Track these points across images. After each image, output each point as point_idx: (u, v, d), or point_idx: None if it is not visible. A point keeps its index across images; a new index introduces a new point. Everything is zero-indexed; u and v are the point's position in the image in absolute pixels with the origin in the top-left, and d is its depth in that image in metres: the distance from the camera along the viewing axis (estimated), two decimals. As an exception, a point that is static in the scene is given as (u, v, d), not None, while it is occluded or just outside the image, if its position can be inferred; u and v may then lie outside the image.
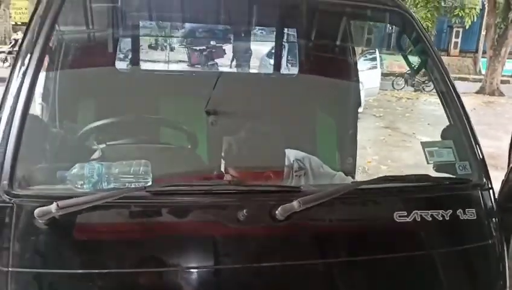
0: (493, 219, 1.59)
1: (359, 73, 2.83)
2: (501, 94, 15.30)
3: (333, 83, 2.53)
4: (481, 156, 1.66)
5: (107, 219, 1.32)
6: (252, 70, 10.52)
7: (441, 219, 1.49)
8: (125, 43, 3.06)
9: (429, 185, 1.58)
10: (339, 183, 1.78)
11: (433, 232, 1.52)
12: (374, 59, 11.27)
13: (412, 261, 1.47)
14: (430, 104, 11.16)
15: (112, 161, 1.42)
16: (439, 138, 1.76)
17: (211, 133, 2.25)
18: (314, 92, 2.54)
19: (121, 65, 2.65)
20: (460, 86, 1.80)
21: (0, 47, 13.90)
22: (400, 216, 1.46)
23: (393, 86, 14.26)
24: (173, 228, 1.37)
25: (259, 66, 11.41)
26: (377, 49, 10.59)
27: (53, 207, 1.19)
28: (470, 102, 11.42)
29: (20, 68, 1.41)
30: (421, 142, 1.70)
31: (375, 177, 1.61)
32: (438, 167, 1.67)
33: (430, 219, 1.48)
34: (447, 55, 20.16)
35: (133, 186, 1.35)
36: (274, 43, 3.06)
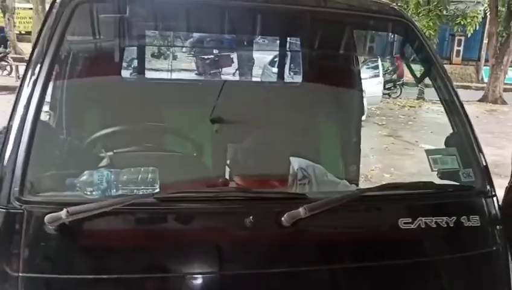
0: (497, 226, 1.60)
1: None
2: (504, 102, 15.30)
3: (337, 91, 2.55)
4: (484, 164, 1.67)
5: (115, 225, 1.34)
6: (254, 79, 10.59)
7: (446, 225, 1.50)
8: (132, 53, 3.10)
9: (433, 192, 1.60)
10: (344, 191, 1.80)
11: (438, 239, 1.53)
12: (376, 67, 11.32)
13: (417, 267, 1.48)
14: (433, 112, 11.17)
15: (120, 168, 1.44)
16: (442, 146, 1.78)
17: (215, 141, 2.27)
18: (318, 101, 2.57)
19: (128, 74, 2.68)
20: (463, 94, 1.81)
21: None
22: (404, 223, 1.47)
23: (389, 95, 14.34)
24: (181, 234, 1.38)
25: (261, 75, 11.49)
26: (379, 58, 10.64)
27: (63, 213, 1.22)
28: (472, 110, 11.41)
29: (31, 78, 1.44)
30: (425, 149, 1.71)
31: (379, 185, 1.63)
32: (442, 174, 1.69)
33: (435, 225, 1.49)
34: (449, 64, 20.17)
35: (141, 193, 1.37)
36: (278, 52, 3.08)
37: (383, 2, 2.43)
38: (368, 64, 11.12)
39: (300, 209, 1.34)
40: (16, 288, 1.23)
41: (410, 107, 13.41)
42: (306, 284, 1.38)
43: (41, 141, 1.41)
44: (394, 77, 14.53)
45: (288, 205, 1.37)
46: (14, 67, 11.94)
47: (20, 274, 1.23)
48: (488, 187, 1.63)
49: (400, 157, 7.30)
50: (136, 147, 1.88)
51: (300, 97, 2.62)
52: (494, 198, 1.64)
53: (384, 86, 12.35)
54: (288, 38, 3.05)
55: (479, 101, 15.15)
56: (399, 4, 14.48)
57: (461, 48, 21.32)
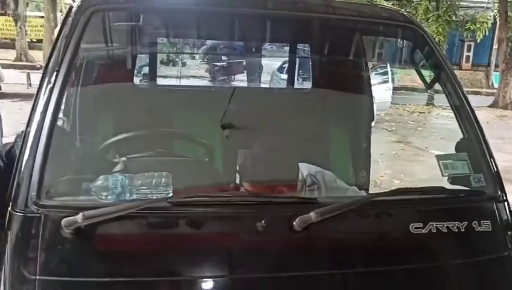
0: (508, 231, 1.60)
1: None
2: (514, 108, 15.19)
3: (347, 97, 2.57)
4: (495, 169, 1.67)
5: (130, 228, 1.36)
6: (263, 85, 10.63)
7: (457, 230, 1.51)
8: (142, 60, 3.14)
9: (444, 197, 1.60)
10: (354, 196, 1.81)
11: (449, 243, 1.54)
12: (386, 73, 11.28)
13: (428, 272, 1.48)
14: (443, 118, 11.12)
15: (133, 173, 1.46)
16: (452, 152, 1.78)
17: (226, 147, 2.29)
18: (328, 107, 2.58)
19: (137, 81, 2.72)
20: (473, 99, 1.82)
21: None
22: (415, 228, 1.48)
23: None
24: (194, 238, 1.40)
25: (270, 81, 11.53)
26: (388, 64, 10.63)
27: (79, 217, 1.24)
28: (483, 116, 11.34)
29: (47, 85, 1.47)
30: (435, 155, 1.72)
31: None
32: (453, 180, 1.69)
33: (446, 230, 1.50)
34: (459, 69, 20.08)
35: (154, 197, 1.39)
36: (288, 58, 3.10)
37: (393, 8, 2.45)
38: (377, 70, 11.10)
39: (312, 214, 1.35)
40: None
41: (420, 113, 13.35)
42: (317, 289, 1.39)
43: (57, 146, 1.45)
44: None
45: (300, 210, 1.39)
46: (25, 74, 12.07)
47: (38, 277, 1.25)
48: (499, 192, 1.64)
49: (409, 164, 7.27)
50: (149, 153, 1.91)
51: (310, 103, 2.64)
52: (506, 203, 1.64)
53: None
54: (299, 45, 3.07)
55: (489, 106, 15.05)
56: (408, 10, 14.48)
57: (471, 54, 21.22)
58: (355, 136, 2.69)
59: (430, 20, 15.96)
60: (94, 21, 1.61)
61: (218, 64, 11.94)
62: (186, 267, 1.34)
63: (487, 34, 17.98)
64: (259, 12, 1.83)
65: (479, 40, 18.35)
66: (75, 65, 1.58)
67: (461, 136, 1.77)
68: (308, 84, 3.14)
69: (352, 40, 2.36)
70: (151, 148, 1.95)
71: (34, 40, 19.41)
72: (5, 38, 19.45)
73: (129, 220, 1.33)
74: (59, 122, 1.53)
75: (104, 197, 1.38)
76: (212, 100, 2.49)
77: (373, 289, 1.45)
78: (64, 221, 1.26)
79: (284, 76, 8.88)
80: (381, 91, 9.99)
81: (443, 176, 1.68)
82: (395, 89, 12.37)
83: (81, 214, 1.24)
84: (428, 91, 12.59)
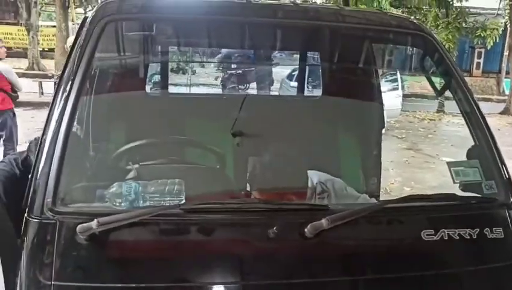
0: None
1: (380, 94, 2.86)
2: (526, 115, 15.05)
3: (357, 104, 2.57)
4: (507, 176, 1.67)
5: (143, 235, 1.38)
6: (273, 92, 10.68)
7: (469, 237, 1.50)
8: (153, 69, 3.18)
9: (456, 204, 1.60)
10: (365, 203, 1.81)
11: (461, 250, 1.53)
12: (395, 80, 11.26)
13: (440, 279, 1.48)
14: (453, 125, 11.06)
15: (146, 180, 1.49)
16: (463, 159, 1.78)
17: (237, 154, 2.31)
18: (338, 114, 2.59)
19: (151, 89, 2.75)
20: (483, 106, 1.81)
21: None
22: (427, 235, 1.48)
23: None
24: (206, 245, 1.41)
25: (279, 89, 11.56)
26: (397, 71, 10.61)
27: (94, 224, 1.26)
28: (494, 123, 11.24)
29: (63, 94, 1.50)
30: (446, 161, 1.72)
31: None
32: (464, 187, 1.69)
33: (458, 237, 1.49)
34: (470, 76, 19.98)
35: (167, 204, 1.41)
36: (298, 66, 3.12)
37: (402, 16, 2.46)
38: (387, 77, 11.08)
39: (323, 221, 1.36)
40: None
41: (430, 120, 13.28)
42: None
43: (72, 154, 1.47)
44: None
45: (311, 217, 1.40)
46: (37, 83, 12.21)
47: (53, 282, 1.27)
48: (511, 199, 1.63)
49: (420, 171, 7.23)
50: (161, 160, 1.93)
51: (320, 111, 2.65)
52: (518, 210, 1.63)
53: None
54: (309, 53, 3.09)
55: (500, 113, 14.93)
56: (417, 17, 14.46)
57: (481, 60, 21.11)
58: (366, 143, 2.69)
59: (439, 27, 15.91)
60: (108, 31, 1.64)
61: (234, 72, 12.02)
62: (199, 274, 1.35)
63: (498, 40, 17.89)
64: (270, 21, 1.85)
65: (489, 47, 18.28)
66: (90, 74, 1.62)
67: (472, 143, 1.77)
68: (318, 92, 3.16)
69: (362, 48, 2.37)
70: (164, 156, 1.97)
71: (46, 49, 19.68)
72: (17, 48, 19.71)
73: (143, 227, 1.35)
74: (74, 130, 1.56)
75: (118, 204, 1.40)
76: (223, 108, 2.51)
77: None
78: (79, 227, 1.28)
79: (294, 83, 8.91)
80: (391, 98, 9.96)
81: (455, 183, 1.68)
82: (404, 96, 12.34)
83: (95, 220, 1.26)
84: (439, 98, 12.58)
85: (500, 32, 17.54)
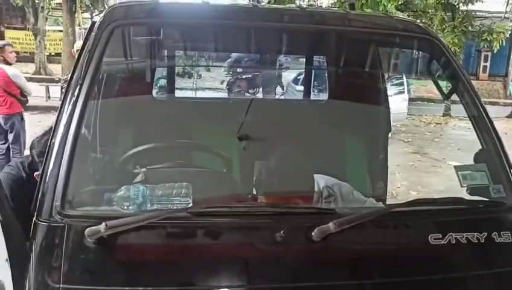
0: None
1: (386, 98, 2.85)
2: (533, 118, 14.96)
3: (363, 108, 2.57)
4: None
5: (151, 238, 1.39)
6: (278, 96, 10.69)
7: (476, 241, 1.50)
8: (159, 73, 3.19)
9: (464, 208, 1.60)
10: (372, 207, 1.81)
11: (469, 254, 1.53)
12: (401, 84, 11.22)
13: (448, 283, 1.47)
14: (460, 128, 11.00)
15: (154, 183, 1.49)
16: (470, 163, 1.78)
17: (243, 158, 2.31)
18: (344, 118, 2.59)
19: (157, 93, 2.76)
20: (490, 110, 1.81)
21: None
22: (435, 239, 1.48)
23: None
24: (213, 248, 1.42)
25: (285, 92, 11.56)
26: (403, 74, 10.58)
27: (102, 227, 1.27)
28: (501, 126, 11.17)
29: (71, 98, 1.52)
30: (454, 165, 1.71)
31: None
32: (472, 190, 1.68)
33: (465, 241, 1.49)
34: (476, 80, 19.90)
35: (175, 207, 1.42)
36: (304, 69, 3.12)
37: (409, 20, 2.46)
38: (393, 81, 11.06)
39: (331, 224, 1.36)
40: None
41: (437, 124, 13.23)
42: None
43: (80, 158, 1.48)
44: None
45: (318, 220, 1.40)
46: (44, 87, 12.28)
47: (61, 285, 1.28)
48: None
49: (426, 175, 7.20)
50: (168, 164, 1.94)
51: (326, 114, 2.65)
52: (526, 214, 1.62)
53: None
54: (315, 57, 3.09)
55: (507, 117, 14.85)
56: (423, 20, 14.43)
57: (488, 64, 21.02)
58: (372, 147, 2.69)
59: (446, 31, 15.84)
60: (116, 36, 1.65)
61: (242, 77, 12.03)
62: (206, 277, 1.36)
63: (504, 44, 17.76)
64: (276, 25, 1.86)
65: (496, 50, 18.16)
66: (98, 78, 1.63)
67: (479, 147, 1.76)
68: (324, 96, 3.16)
69: (368, 52, 2.37)
70: (171, 160, 1.98)
71: (53, 54, 19.79)
72: (24, 52, 19.83)
73: (150, 230, 1.36)
74: (82, 134, 1.57)
75: (125, 207, 1.41)
76: (229, 112, 2.52)
77: None
78: (87, 231, 1.29)
79: (299, 87, 8.91)
80: (397, 102, 9.93)
81: (462, 186, 1.67)
82: (411, 99, 12.29)
83: (104, 223, 1.27)
84: (445, 102, 12.52)
85: (507, 35, 17.41)
